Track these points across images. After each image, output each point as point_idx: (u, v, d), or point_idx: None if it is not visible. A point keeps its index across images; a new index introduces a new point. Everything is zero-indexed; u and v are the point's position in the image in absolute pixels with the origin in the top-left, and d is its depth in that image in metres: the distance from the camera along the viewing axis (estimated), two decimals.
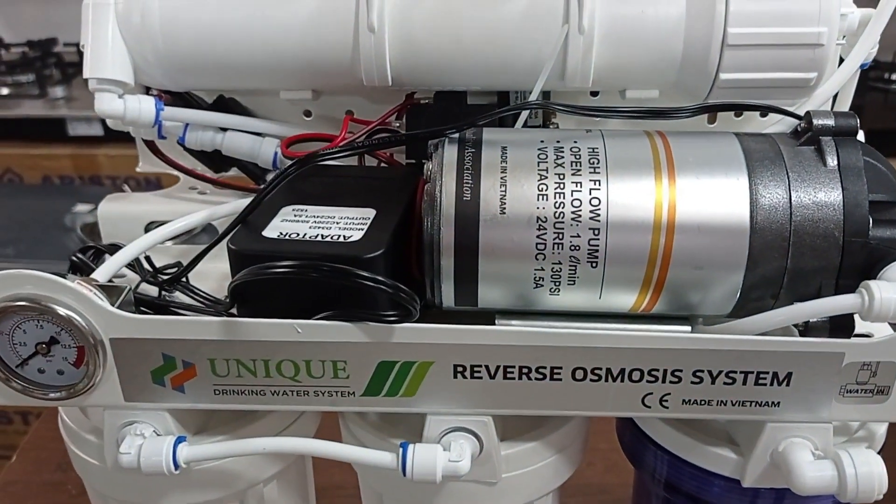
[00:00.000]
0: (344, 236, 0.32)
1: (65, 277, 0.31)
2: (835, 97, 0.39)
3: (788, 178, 0.31)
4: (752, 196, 0.31)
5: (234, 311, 0.32)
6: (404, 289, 0.29)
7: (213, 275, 0.39)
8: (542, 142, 0.32)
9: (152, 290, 0.37)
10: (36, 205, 1.36)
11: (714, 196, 0.31)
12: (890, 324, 0.32)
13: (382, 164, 0.40)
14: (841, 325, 0.31)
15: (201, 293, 0.35)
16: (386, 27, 0.35)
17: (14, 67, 1.41)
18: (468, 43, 0.35)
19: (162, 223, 0.39)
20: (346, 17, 0.35)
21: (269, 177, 0.42)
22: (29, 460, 0.73)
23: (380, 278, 0.29)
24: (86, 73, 0.36)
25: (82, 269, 0.38)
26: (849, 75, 0.37)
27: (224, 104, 0.41)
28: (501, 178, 0.31)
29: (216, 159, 0.41)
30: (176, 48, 0.36)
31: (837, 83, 0.37)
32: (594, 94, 0.41)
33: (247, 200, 0.38)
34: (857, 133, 0.32)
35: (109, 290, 0.32)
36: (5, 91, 1.40)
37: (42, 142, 1.37)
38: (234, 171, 0.44)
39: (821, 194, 0.31)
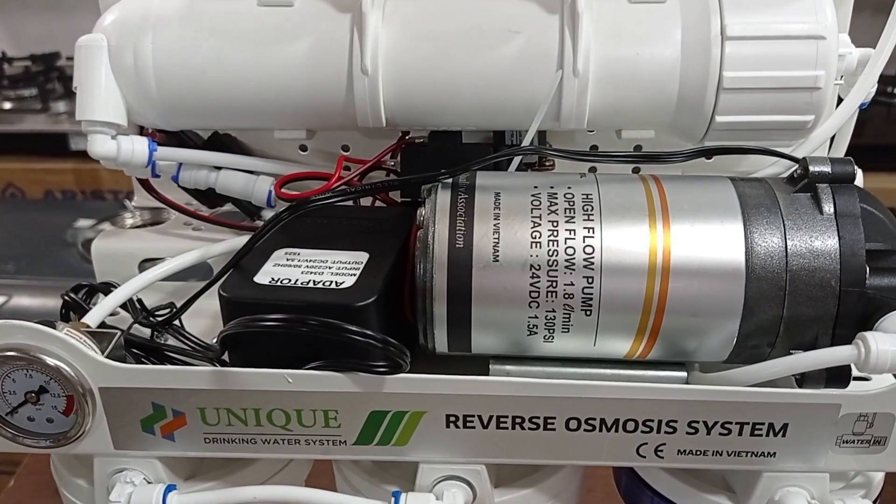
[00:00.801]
0: (336, 282, 0.32)
1: (54, 326, 0.31)
2: (833, 137, 0.39)
3: (784, 225, 0.31)
4: (748, 243, 0.31)
5: (224, 356, 0.32)
6: (394, 343, 0.29)
7: (208, 312, 0.38)
8: (535, 187, 0.32)
9: (145, 330, 0.37)
10: (37, 219, 1.36)
11: (709, 243, 0.31)
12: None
13: (378, 202, 0.40)
14: (838, 375, 0.31)
15: (192, 339, 0.35)
16: (380, 70, 0.35)
17: (17, 82, 1.41)
18: (462, 86, 0.35)
19: (155, 260, 0.39)
20: (339, 60, 0.35)
21: (264, 212, 0.42)
22: (27, 484, 0.73)
23: (369, 332, 0.29)
24: (78, 115, 0.36)
25: (75, 309, 0.38)
26: (847, 116, 0.37)
27: (219, 140, 0.41)
28: (495, 224, 0.31)
29: (211, 195, 0.41)
30: (169, 90, 0.36)
31: (836, 124, 0.37)
32: (591, 129, 0.41)
33: (241, 239, 0.38)
34: (854, 180, 0.31)
35: (100, 337, 0.32)
36: (8, 105, 1.41)
37: (44, 156, 1.37)
38: (228, 206, 0.44)
39: (817, 242, 0.31)
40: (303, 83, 0.36)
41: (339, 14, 0.36)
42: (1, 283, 1.10)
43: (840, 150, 0.40)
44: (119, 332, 0.32)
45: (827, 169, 0.31)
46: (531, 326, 0.31)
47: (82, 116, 0.36)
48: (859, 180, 0.38)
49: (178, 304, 0.37)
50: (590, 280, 0.30)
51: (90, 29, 0.37)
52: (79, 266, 1.15)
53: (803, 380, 0.31)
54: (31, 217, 1.37)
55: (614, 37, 0.35)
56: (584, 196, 0.32)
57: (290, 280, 0.32)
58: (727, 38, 0.33)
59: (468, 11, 0.35)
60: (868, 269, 0.30)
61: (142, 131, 0.39)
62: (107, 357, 0.31)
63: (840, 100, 0.38)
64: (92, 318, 0.34)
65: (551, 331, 0.31)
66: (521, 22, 0.35)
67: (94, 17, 0.37)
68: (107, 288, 0.39)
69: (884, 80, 1.32)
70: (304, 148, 0.44)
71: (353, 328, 0.28)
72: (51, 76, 1.42)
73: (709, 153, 0.34)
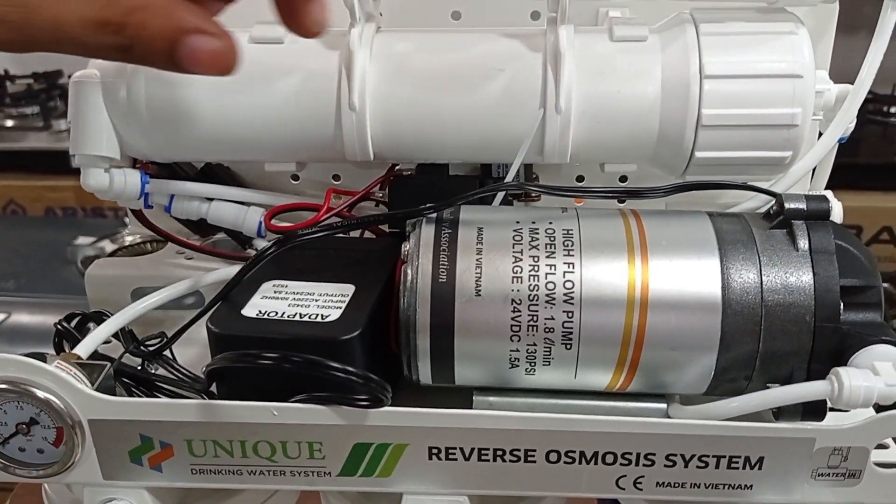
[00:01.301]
0: (322, 315, 0.33)
1: (45, 358, 0.32)
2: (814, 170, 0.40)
3: (760, 261, 0.32)
4: (724, 279, 0.31)
5: (212, 388, 0.33)
6: (375, 379, 0.30)
7: (200, 339, 0.39)
8: (517, 222, 0.33)
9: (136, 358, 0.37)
10: (38, 236, 1.37)
11: (686, 278, 0.31)
12: None
13: (366, 233, 0.41)
14: (813, 409, 0.31)
15: (181, 370, 0.35)
16: (367, 106, 0.36)
17: (19, 99, 1.42)
18: (448, 121, 0.36)
19: (147, 289, 0.40)
20: (328, 96, 0.36)
21: (256, 241, 0.43)
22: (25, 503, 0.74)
23: (350, 369, 0.29)
24: (72, 150, 0.37)
25: (67, 337, 0.38)
26: (826, 151, 0.37)
27: (211, 171, 0.42)
28: (477, 259, 0.32)
29: (203, 225, 0.42)
30: (162, 124, 0.37)
31: (815, 159, 0.38)
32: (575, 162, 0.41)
33: (232, 268, 0.39)
34: (828, 216, 0.32)
35: (90, 368, 0.33)
36: (10, 123, 1.42)
37: (45, 173, 1.38)
38: (221, 234, 0.45)
39: (792, 278, 0.31)
40: (292, 118, 0.36)
41: (328, 51, 0.36)
42: (1, 300, 1.11)
43: (821, 183, 0.41)
44: (108, 364, 0.33)
45: (802, 206, 0.32)
46: (513, 359, 0.32)
47: (76, 150, 0.37)
48: (838, 213, 0.39)
49: (169, 333, 0.37)
50: (570, 314, 0.31)
51: None
52: (78, 283, 1.15)
53: (780, 413, 0.32)
54: (32, 234, 1.38)
55: (596, 74, 0.35)
56: (565, 231, 0.32)
57: (276, 313, 0.33)
58: (705, 76, 0.34)
59: (453, 49, 0.36)
60: (842, 304, 0.31)
61: (135, 163, 0.39)
62: (96, 389, 0.31)
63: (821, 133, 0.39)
64: (83, 349, 0.35)
65: (532, 364, 0.32)
66: (505, 59, 0.36)
67: None
68: (99, 317, 0.40)
69: (879, 99, 1.32)
70: (295, 177, 0.44)
71: (335, 365, 0.29)
72: (53, 94, 1.43)
73: (688, 188, 0.35)
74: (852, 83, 0.37)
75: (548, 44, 0.35)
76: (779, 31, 0.35)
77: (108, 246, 1.23)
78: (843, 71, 0.39)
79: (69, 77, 0.37)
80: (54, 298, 1.10)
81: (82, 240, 1.29)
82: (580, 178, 0.44)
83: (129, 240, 1.19)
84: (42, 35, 0.25)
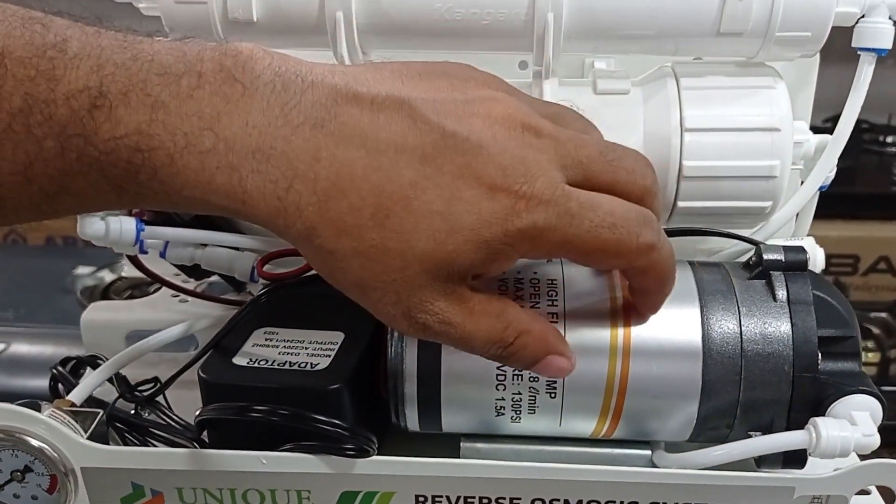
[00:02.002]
0: (311, 364, 0.33)
1: (39, 407, 0.32)
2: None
3: (739, 311, 0.32)
4: (705, 328, 0.32)
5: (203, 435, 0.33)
6: (360, 431, 0.30)
7: (193, 382, 0.40)
8: (503, 274, 0.34)
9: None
10: (38, 266, 1.38)
11: (668, 327, 0.32)
12: None
13: None
14: (794, 457, 0.32)
15: (173, 418, 0.36)
16: None
17: None
18: None
19: (142, 332, 0.40)
20: None
21: (250, 285, 0.44)
22: None
23: (336, 422, 0.30)
24: None
25: (63, 382, 0.39)
26: (806, 199, 0.38)
27: (206, 215, 0.43)
28: None
29: (197, 268, 0.43)
30: None
31: (796, 207, 0.38)
32: None
33: (225, 313, 0.40)
34: (806, 267, 0.33)
35: (83, 416, 0.33)
36: None
37: None
38: (216, 276, 0.46)
39: (771, 329, 0.32)
40: None
41: None
42: (0, 330, 1.11)
43: (803, 229, 0.42)
44: (100, 412, 0.34)
45: (780, 257, 0.33)
46: (498, 408, 0.33)
47: None
48: (820, 260, 0.40)
49: (163, 375, 0.38)
50: None
51: None
52: (77, 313, 1.16)
53: (761, 460, 0.32)
54: (32, 263, 1.38)
55: None
56: (549, 282, 0.33)
57: (267, 361, 0.33)
58: (686, 129, 0.35)
59: None
60: (820, 354, 0.32)
61: (130, 212, 0.40)
62: (89, 437, 0.32)
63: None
64: (77, 395, 0.35)
65: (518, 412, 0.33)
66: None
67: None
68: (94, 360, 0.40)
69: (875, 128, 1.31)
70: None
71: (321, 418, 0.30)
72: None
73: (671, 235, 0.35)
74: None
75: (534, 94, 0.36)
76: (757, 85, 0.36)
77: (108, 276, 1.24)
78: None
79: None
80: (53, 329, 1.10)
81: (82, 269, 1.29)
82: None
83: (126, 269, 1.19)
84: (449, 340, 0.29)
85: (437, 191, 0.26)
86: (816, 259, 0.40)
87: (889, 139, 1.29)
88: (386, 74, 0.28)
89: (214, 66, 0.25)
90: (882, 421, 0.31)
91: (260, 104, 0.25)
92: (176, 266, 0.43)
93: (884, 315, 1.07)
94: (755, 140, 0.35)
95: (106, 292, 1.17)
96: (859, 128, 1.22)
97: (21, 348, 1.06)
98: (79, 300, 1.21)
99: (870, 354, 1.01)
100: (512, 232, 0.26)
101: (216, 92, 0.25)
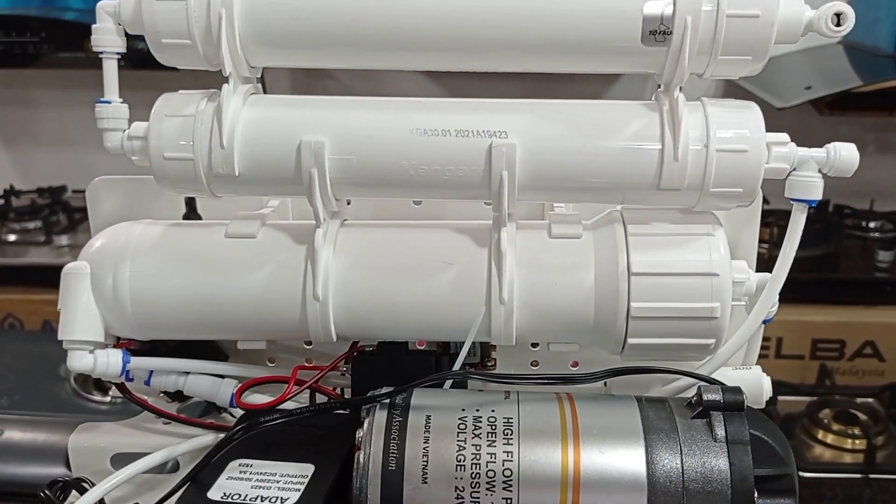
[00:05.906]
0: (281, 499, 0.35)
1: None
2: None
3: (682, 450, 0.35)
4: (649, 466, 0.34)
5: None
6: None
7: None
8: (463, 410, 0.36)
9: None
10: (33, 350, 1.39)
11: (614, 465, 0.34)
12: None
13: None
14: None
15: None
16: (330, 295, 0.39)
17: (23, 214, 1.45)
18: (403, 309, 0.40)
19: (127, 455, 0.43)
20: (294, 287, 0.40)
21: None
22: None
23: None
24: (60, 335, 0.40)
25: None
26: (750, 333, 0.41)
27: (189, 344, 0.45)
28: (424, 447, 0.35)
29: (180, 393, 0.45)
30: (143, 310, 0.40)
31: (741, 340, 0.41)
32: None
33: (205, 438, 0.42)
34: (743, 408, 0.35)
35: None
36: (12, 237, 1.45)
37: (44, 287, 1.41)
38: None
39: (710, 467, 0.34)
40: (262, 305, 0.40)
41: (296, 245, 0.40)
42: None
43: (752, 357, 0.44)
44: None
45: (718, 398, 0.35)
46: None
47: (64, 336, 0.40)
48: (767, 389, 0.42)
49: (142, 496, 0.40)
50: (508, 500, 0.34)
51: (98, 163, 0.39)
52: (70, 401, 1.17)
53: None
54: (28, 348, 1.40)
55: (535, 267, 0.39)
56: (505, 420, 0.36)
57: (240, 496, 0.36)
58: (633, 273, 0.38)
59: (409, 245, 0.40)
60: (756, 492, 0.34)
61: (119, 339, 0.43)
62: None
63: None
64: None
65: None
66: (454, 254, 0.40)
67: (102, 153, 0.40)
68: (79, 483, 0.42)
69: (858, 214, 1.34)
70: (270, 341, 0.48)
71: None
72: (56, 208, 1.47)
73: (619, 373, 0.38)
74: None
75: (492, 241, 0.39)
76: (697, 232, 0.39)
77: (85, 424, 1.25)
78: None
79: (73, 192, 0.41)
80: (46, 416, 1.11)
81: None
82: (534, 346, 0.47)
83: None
84: None
85: None
86: (763, 388, 0.42)
87: (871, 224, 1.32)
88: None
89: None
90: None
91: None
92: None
93: (870, 401, 1.08)
94: (696, 283, 0.38)
95: (99, 381, 1.19)
96: (842, 214, 1.26)
97: (14, 435, 1.07)
98: (73, 388, 1.22)
99: (857, 441, 1.02)
100: None
101: None
